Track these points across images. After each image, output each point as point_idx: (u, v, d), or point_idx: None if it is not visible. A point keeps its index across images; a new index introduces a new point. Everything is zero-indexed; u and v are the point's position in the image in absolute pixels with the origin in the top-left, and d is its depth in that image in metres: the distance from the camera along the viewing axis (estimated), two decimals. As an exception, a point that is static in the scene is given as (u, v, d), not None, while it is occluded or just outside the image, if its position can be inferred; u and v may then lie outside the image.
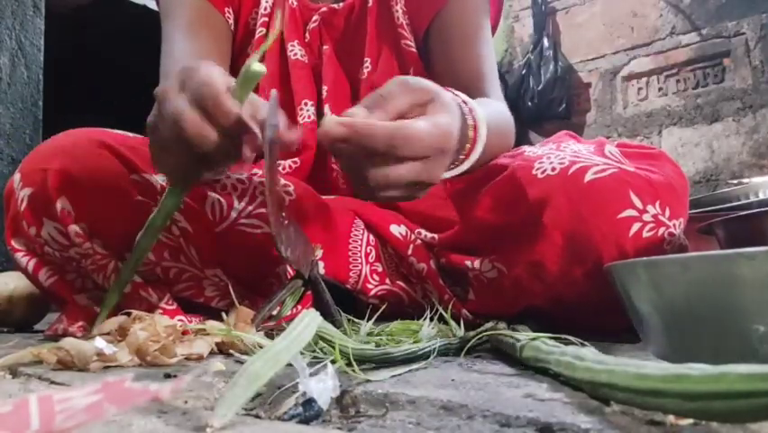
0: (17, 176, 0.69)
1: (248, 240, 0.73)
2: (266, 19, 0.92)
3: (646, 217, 0.63)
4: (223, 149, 0.53)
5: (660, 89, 2.30)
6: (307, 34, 0.93)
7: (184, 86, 0.53)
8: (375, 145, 0.51)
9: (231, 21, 0.93)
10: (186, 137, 0.51)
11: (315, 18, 0.93)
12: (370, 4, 0.93)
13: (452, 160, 0.60)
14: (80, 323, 0.70)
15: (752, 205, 0.94)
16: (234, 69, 0.94)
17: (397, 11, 0.93)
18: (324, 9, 0.93)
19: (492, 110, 0.75)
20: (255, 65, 0.52)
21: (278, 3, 0.93)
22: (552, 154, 0.70)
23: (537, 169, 0.69)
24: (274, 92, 0.56)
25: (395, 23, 0.93)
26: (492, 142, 0.69)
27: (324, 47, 0.92)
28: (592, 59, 2.47)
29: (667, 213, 0.64)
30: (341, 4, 0.93)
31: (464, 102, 0.64)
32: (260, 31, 0.92)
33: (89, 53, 1.96)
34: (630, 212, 0.63)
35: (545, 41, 2.50)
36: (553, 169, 0.68)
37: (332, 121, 0.52)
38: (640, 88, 2.35)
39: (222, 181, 0.73)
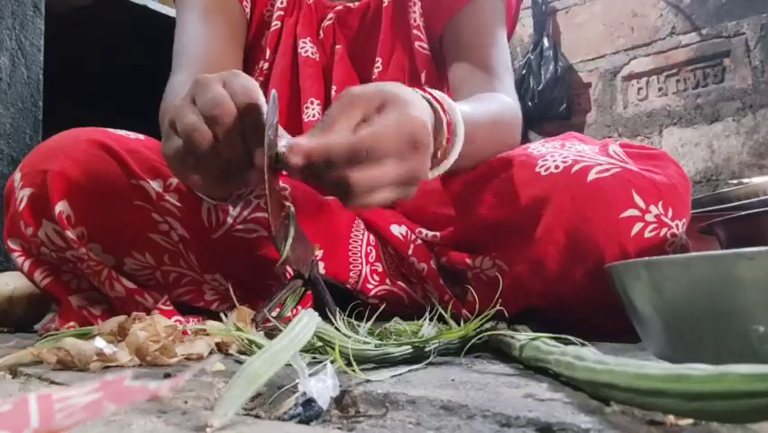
0: (17, 175, 0.69)
1: (245, 245, 0.73)
2: (281, 13, 0.92)
3: (649, 218, 0.63)
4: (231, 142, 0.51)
5: (660, 89, 2.30)
6: (321, 32, 0.92)
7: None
8: (338, 157, 0.49)
9: (248, 10, 0.92)
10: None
11: (330, 16, 0.92)
12: (386, 3, 0.92)
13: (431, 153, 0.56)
14: (71, 323, 0.70)
15: (752, 205, 0.94)
16: (247, 59, 0.94)
17: (414, 12, 0.92)
18: (339, 7, 0.92)
19: (485, 105, 0.73)
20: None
21: None
22: (555, 152, 0.69)
23: (541, 166, 0.68)
24: (274, 92, 0.55)
25: (410, 24, 0.92)
26: (482, 138, 0.68)
27: (338, 46, 0.92)
28: (592, 59, 2.47)
29: (670, 213, 0.64)
30: (356, 3, 0.93)
31: (434, 98, 0.61)
32: (274, 24, 0.92)
33: (89, 53, 1.96)
34: (633, 212, 0.63)
35: (545, 41, 2.50)
36: (557, 167, 0.67)
37: (289, 156, 0.49)
38: (640, 88, 2.35)
39: None
